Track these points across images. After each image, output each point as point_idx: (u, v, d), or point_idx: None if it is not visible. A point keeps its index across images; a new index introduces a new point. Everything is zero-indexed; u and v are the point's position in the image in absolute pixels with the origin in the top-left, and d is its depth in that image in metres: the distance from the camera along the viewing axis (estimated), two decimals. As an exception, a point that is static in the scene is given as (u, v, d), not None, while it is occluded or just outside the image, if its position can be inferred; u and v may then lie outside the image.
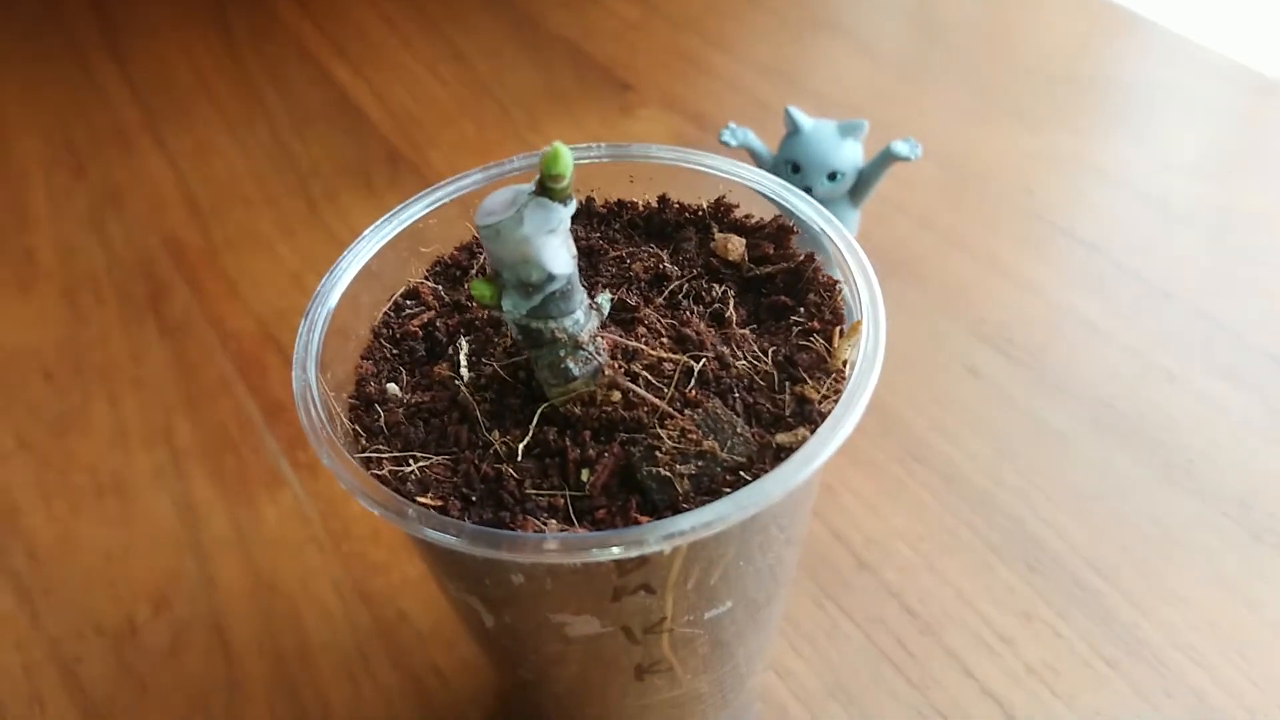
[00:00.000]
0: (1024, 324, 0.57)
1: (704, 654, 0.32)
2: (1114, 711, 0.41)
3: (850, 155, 0.50)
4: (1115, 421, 0.51)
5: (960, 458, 0.50)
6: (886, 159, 0.50)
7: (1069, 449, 0.50)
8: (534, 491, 0.27)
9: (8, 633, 0.47)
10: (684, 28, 0.85)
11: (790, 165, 0.50)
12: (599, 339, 0.28)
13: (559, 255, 0.26)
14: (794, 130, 0.50)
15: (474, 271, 0.34)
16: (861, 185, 0.51)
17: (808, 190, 0.50)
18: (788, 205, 0.32)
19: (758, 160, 0.52)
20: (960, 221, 0.64)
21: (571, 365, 0.28)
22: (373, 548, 0.49)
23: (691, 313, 0.31)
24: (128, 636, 0.46)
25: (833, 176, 0.50)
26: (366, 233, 0.33)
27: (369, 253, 0.33)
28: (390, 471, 0.28)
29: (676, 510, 0.26)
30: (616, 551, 0.24)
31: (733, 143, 0.51)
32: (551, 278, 0.26)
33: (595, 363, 0.28)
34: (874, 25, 0.86)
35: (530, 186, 0.26)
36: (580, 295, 0.28)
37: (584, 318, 0.28)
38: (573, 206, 0.26)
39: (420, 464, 0.28)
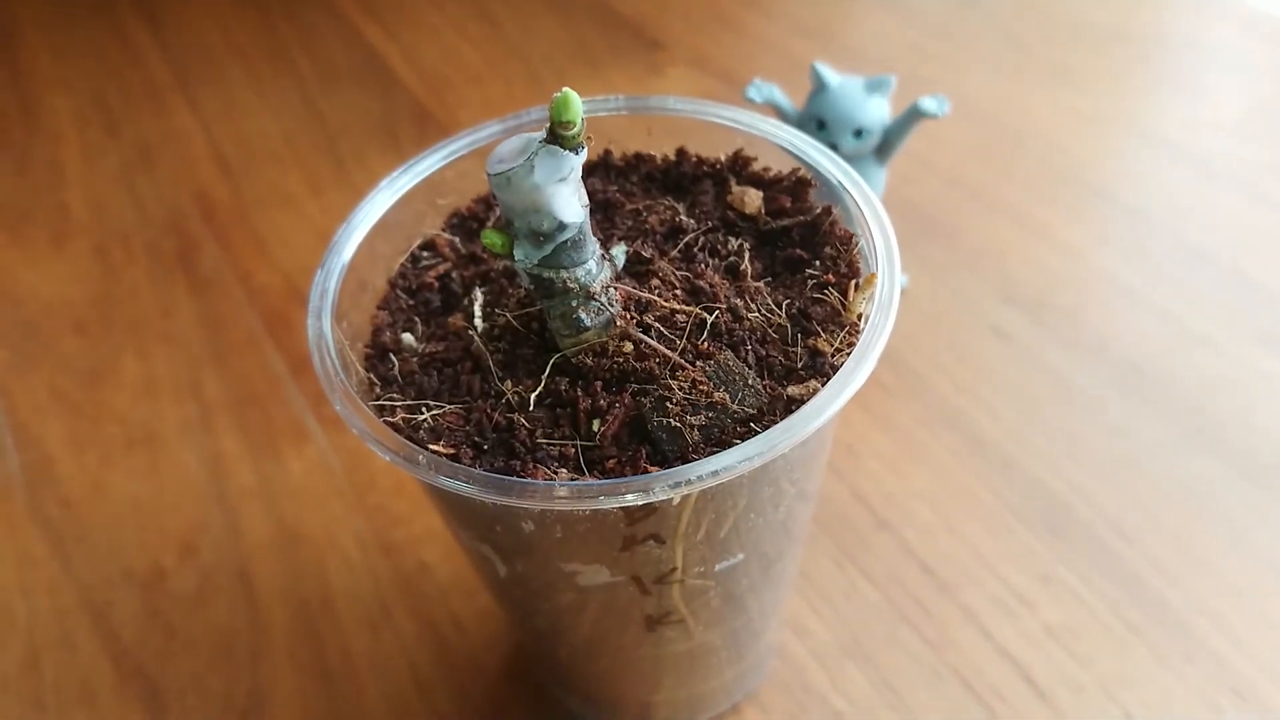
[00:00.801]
0: (1053, 285, 0.56)
1: (716, 607, 0.32)
2: (1133, 675, 0.41)
3: (877, 112, 0.49)
4: (1145, 385, 0.50)
5: (985, 420, 0.50)
6: (914, 116, 0.49)
7: (1096, 412, 0.50)
8: (545, 441, 0.27)
9: (41, 578, 0.48)
10: (716, -15, 0.84)
11: (816, 122, 0.49)
12: (612, 290, 0.28)
13: (570, 204, 0.26)
14: (820, 86, 0.49)
15: (490, 224, 0.34)
16: (888, 143, 0.50)
17: (833, 148, 0.49)
18: (806, 158, 0.32)
19: (783, 116, 0.52)
20: (992, 180, 0.63)
21: (583, 316, 0.28)
22: (395, 500, 0.49)
23: (706, 265, 0.31)
24: (156, 583, 0.47)
25: (859, 134, 0.49)
26: (383, 184, 0.33)
27: (386, 204, 0.33)
28: (403, 419, 0.28)
29: (686, 461, 0.26)
30: (627, 499, 0.24)
31: (758, 98, 0.51)
32: (563, 226, 0.26)
33: (607, 314, 0.28)
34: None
35: (541, 135, 0.26)
36: (593, 245, 0.28)
37: (596, 268, 0.28)
38: (583, 154, 0.26)
39: (433, 413, 0.28)
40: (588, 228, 0.27)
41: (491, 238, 0.27)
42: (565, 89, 0.24)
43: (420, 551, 0.47)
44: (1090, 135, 0.66)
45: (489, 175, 0.26)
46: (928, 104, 0.48)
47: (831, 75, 0.49)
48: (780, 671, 0.42)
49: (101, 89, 0.80)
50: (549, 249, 0.27)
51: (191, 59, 0.82)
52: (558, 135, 0.25)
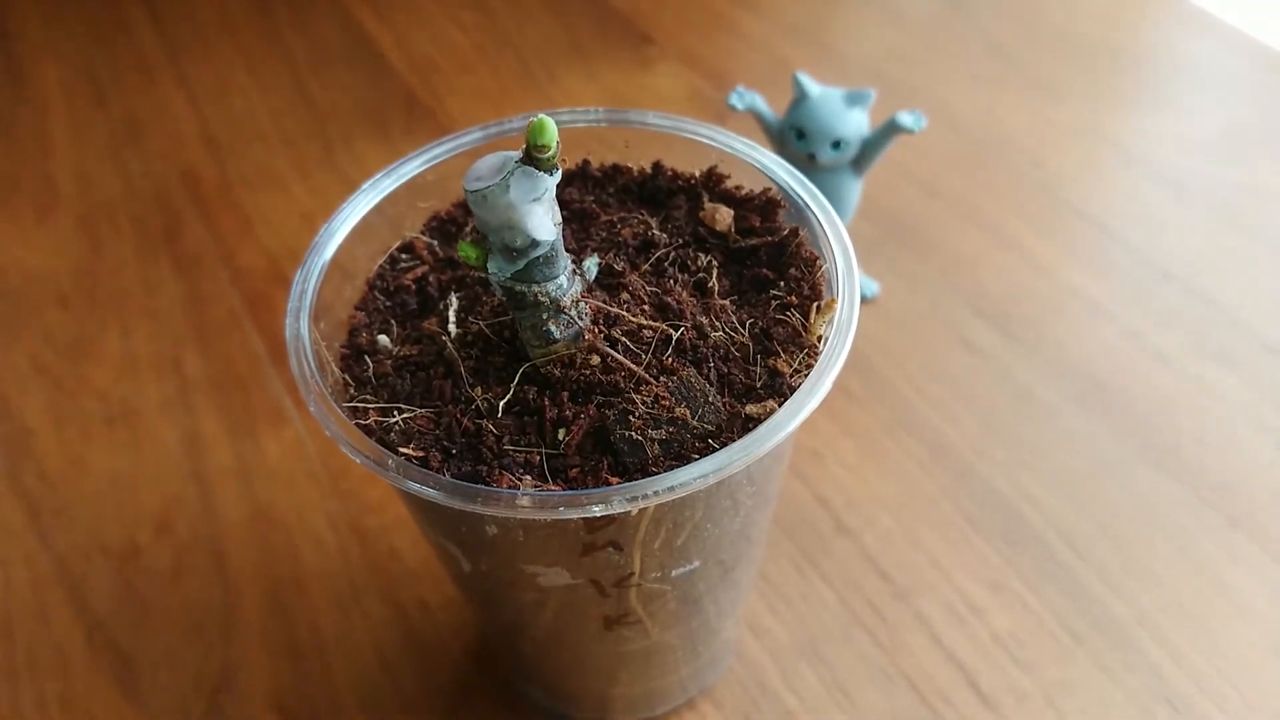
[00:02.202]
0: (1023, 299, 0.57)
1: (673, 609, 0.33)
2: (1074, 683, 0.42)
3: (856, 124, 0.50)
4: (1105, 400, 0.52)
5: (948, 429, 0.51)
6: (891, 130, 0.50)
7: (1056, 426, 0.51)
8: (512, 447, 0.28)
9: (17, 549, 0.49)
10: (708, -19, 0.85)
11: (796, 131, 0.50)
12: (582, 303, 0.29)
13: (543, 223, 0.27)
14: (801, 96, 0.50)
15: (468, 229, 0.35)
16: (865, 155, 0.51)
17: (811, 157, 0.50)
18: (777, 179, 0.33)
19: (764, 125, 0.53)
20: (968, 191, 0.64)
21: (553, 328, 0.29)
22: (368, 487, 0.50)
23: (675, 281, 0.32)
24: (131, 558, 0.48)
25: (837, 145, 0.50)
26: (365, 185, 0.34)
27: (367, 205, 0.34)
28: (375, 421, 0.29)
29: (646, 473, 0.27)
30: (588, 510, 0.26)
31: (740, 106, 0.51)
32: (535, 244, 0.27)
33: (577, 327, 0.29)
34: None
35: (518, 154, 0.26)
36: (564, 261, 0.29)
37: (567, 283, 0.29)
38: (558, 175, 0.27)
39: (404, 415, 0.29)
40: (560, 244, 0.28)
41: (466, 250, 0.28)
42: (541, 115, 0.25)
43: (391, 538, 0.48)
44: (1067, 148, 0.67)
45: (466, 191, 0.27)
46: (905, 119, 0.49)
47: (812, 86, 0.50)
48: (736, 669, 0.43)
49: (91, 59, 0.80)
50: (521, 264, 0.28)
51: (183, 33, 0.82)
52: (534, 157, 0.26)
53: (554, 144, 0.26)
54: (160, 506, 0.50)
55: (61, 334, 0.59)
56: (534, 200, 0.26)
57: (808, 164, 0.51)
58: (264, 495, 0.50)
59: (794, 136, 0.50)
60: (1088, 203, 0.63)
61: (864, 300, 0.56)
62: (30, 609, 0.47)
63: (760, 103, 0.52)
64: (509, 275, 0.28)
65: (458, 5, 0.84)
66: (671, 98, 0.72)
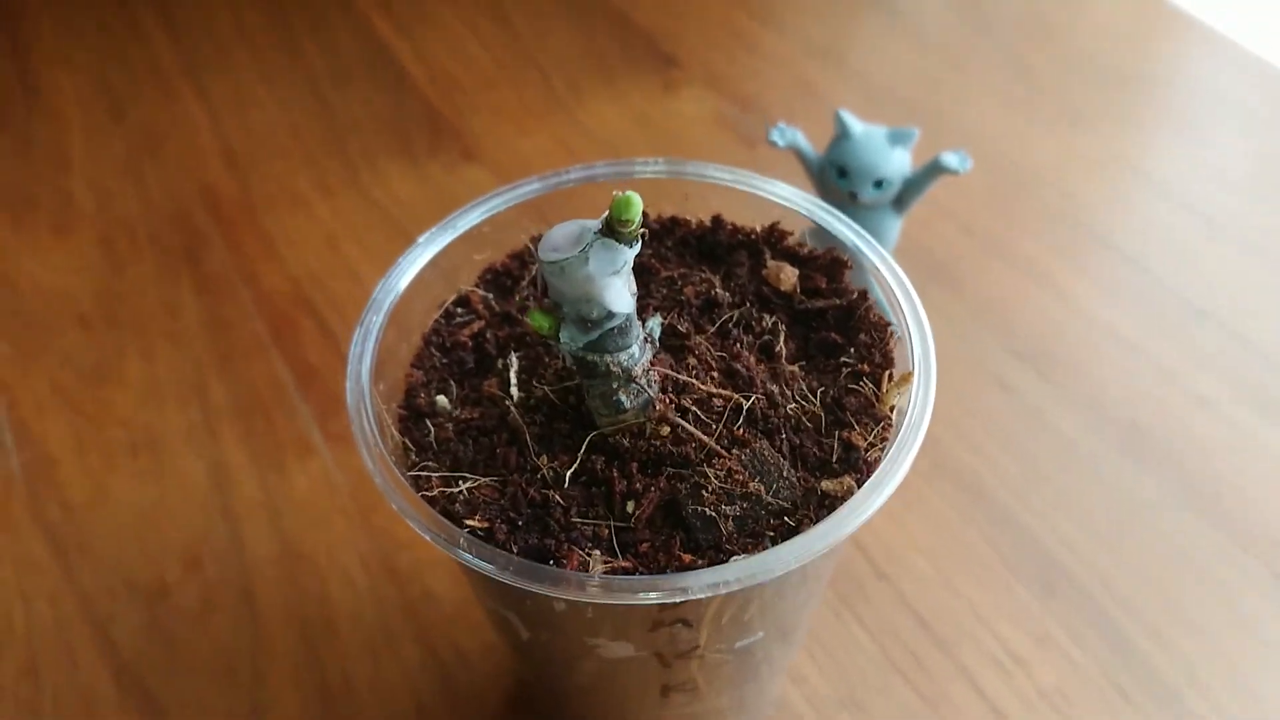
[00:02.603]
0: (1059, 338, 0.57)
1: (729, 675, 0.33)
2: (1121, 741, 0.42)
3: (899, 164, 0.49)
4: (1144, 446, 0.51)
5: (985, 473, 0.51)
6: (935, 170, 0.49)
7: (1095, 471, 0.51)
8: (579, 520, 0.27)
9: (42, 585, 0.48)
10: (733, 1, 0.84)
11: (837, 170, 0.50)
12: (651, 372, 0.29)
13: (621, 295, 0.26)
14: (843, 134, 0.50)
15: (524, 282, 0.34)
16: (907, 194, 0.51)
17: (852, 196, 0.50)
18: (847, 241, 0.32)
19: (805, 162, 0.52)
20: (1001, 226, 0.63)
21: (623, 398, 0.28)
22: (400, 525, 0.49)
23: (741, 344, 0.31)
24: (159, 596, 0.47)
25: (879, 184, 0.49)
26: (421, 239, 0.33)
27: (424, 259, 0.33)
28: (440, 492, 0.28)
29: (719, 549, 0.27)
30: (658, 596, 0.25)
31: (781, 143, 0.51)
32: (611, 315, 0.26)
33: (646, 395, 0.28)
34: (927, 10, 0.84)
35: (595, 224, 0.26)
36: (637, 330, 0.28)
37: (639, 352, 0.28)
38: (638, 247, 0.26)
39: (469, 485, 0.28)
40: (634, 314, 0.27)
41: (539, 320, 0.27)
42: (629, 192, 0.24)
43: (425, 578, 0.47)
44: (1099, 180, 0.67)
45: (542, 263, 0.26)
46: (950, 160, 0.48)
47: (855, 124, 0.50)
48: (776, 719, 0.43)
49: (104, 68, 0.79)
50: (595, 335, 0.27)
51: (199, 42, 0.81)
52: (615, 231, 0.25)
53: (638, 218, 0.25)
54: (187, 542, 0.49)
55: (82, 356, 0.58)
56: (613, 273, 0.26)
57: (849, 202, 0.50)
58: (292, 531, 0.50)
59: (835, 175, 0.50)
60: (1119, 236, 0.62)
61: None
62: (56, 648, 0.46)
63: (801, 140, 0.51)
64: (582, 345, 0.27)
65: (477, 17, 0.83)
66: (698, 121, 0.71)
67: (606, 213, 0.25)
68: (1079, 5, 0.83)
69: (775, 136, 0.51)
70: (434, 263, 0.33)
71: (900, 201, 0.51)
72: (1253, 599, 0.46)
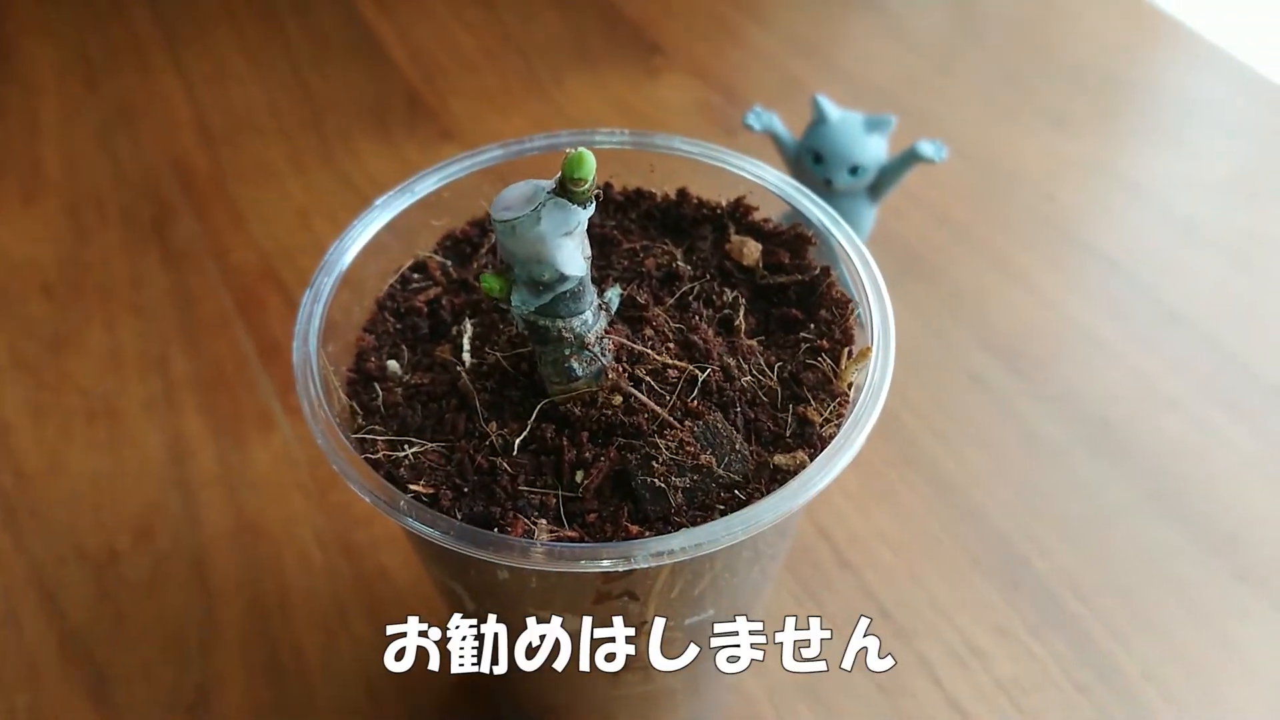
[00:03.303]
0: (1031, 335, 0.56)
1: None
2: (1077, 736, 0.41)
3: (874, 150, 0.49)
4: (1111, 444, 0.51)
5: (953, 466, 0.50)
6: (911, 159, 0.49)
7: (1062, 468, 0.50)
8: (527, 489, 0.27)
9: (-10, 552, 0.47)
10: (719, -10, 0.84)
11: (813, 155, 0.49)
12: (605, 340, 0.28)
13: (573, 257, 0.26)
14: (820, 119, 0.49)
15: (484, 250, 0.34)
16: (882, 182, 0.50)
17: (827, 182, 0.49)
18: (813, 218, 0.32)
19: (781, 146, 0.51)
20: (977, 221, 0.63)
21: (575, 365, 0.28)
22: (358, 500, 0.48)
23: (700, 317, 0.30)
24: (108, 565, 0.47)
25: (854, 170, 0.49)
26: (379, 201, 0.33)
27: (380, 222, 0.32)
28: (385, 455, 0.27)
29: (668, 521, 0.26)
30: (604, 565, 0.24)
31: (757, 126, 0.50)
32: (564, 278, 0.26)
33: (599, 364, 0.28)
34: (913, 8, 0.84)
35: (549, 184, 0.25)
36: (590, 296, 0.27)
37: (592, 318, 0.27)
38: (591, 209, 0.25)
39: (415, 449, 0.28)
40: (588, 279, 0.27)
41: (490, 282, 0.27)
42: (581, 149, 0.24)
43: (380, 555, 0.47)
44: (1078, 182, 0.67)
45: (493, 221, 0.25)
46: (926, 149, 0.48)
47: (832, 109, 0.49)
48: (734, 706, 0.42)
49: (84, 39, 0.78)
50: (547, 298, 0.26)
51: (179, 16, 0.80)
52: (568, 190, 0.25)
53: (591, 177, 0.24)
54: (141, 511, 0.48)
55: (44, 325, 0.57)
56: (565, 234, 0.25)
57: (824, 188, 0.50)
58: (249, 505, 0.49)
59: (811, 160, 0.49)
60: (1097, 239, 0.62)
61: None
62: (2, 614, 0.45)
63: (777, 124, 0.51)
64: (533, 309, 0.27)
65: (462, 1, 0.82)
66: (679, 109, 0.71)
67: (560, 173, 0.25)
68: (1065, 9, 0.83)
69: (751, 120, 0.50)
70: (391, 227, 0.32)
71: (875, 189, 0.51)
72: (1213, 598, 0.45)
